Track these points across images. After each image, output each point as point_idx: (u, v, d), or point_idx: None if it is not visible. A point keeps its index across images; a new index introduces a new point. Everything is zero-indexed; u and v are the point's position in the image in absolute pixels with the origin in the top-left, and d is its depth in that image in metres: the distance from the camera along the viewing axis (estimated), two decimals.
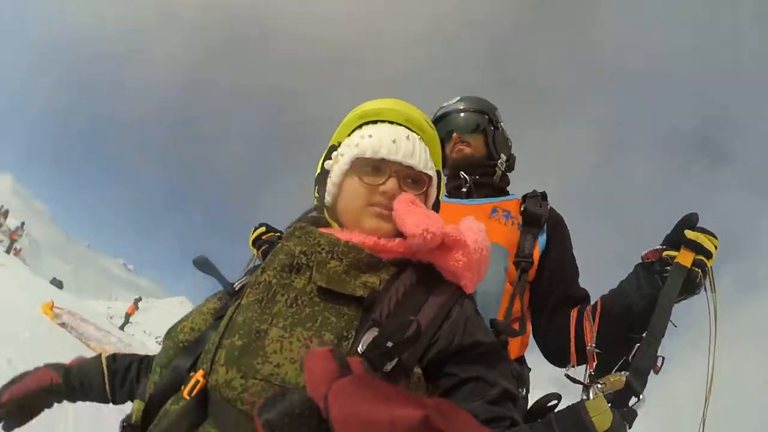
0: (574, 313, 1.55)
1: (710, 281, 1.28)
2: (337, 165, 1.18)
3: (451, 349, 0.96)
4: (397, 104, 1.26)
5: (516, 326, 1.61)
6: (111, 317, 28.20)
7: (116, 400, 1.37)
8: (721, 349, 1.26)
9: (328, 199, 1.22)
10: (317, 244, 1.06)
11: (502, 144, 1.98)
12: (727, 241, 1.35)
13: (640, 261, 1.39)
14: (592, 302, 1.58)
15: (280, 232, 1.87)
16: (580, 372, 1.43)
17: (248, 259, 1.81)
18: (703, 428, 1.24)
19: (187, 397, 0.92)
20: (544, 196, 1.83)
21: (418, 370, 0.92)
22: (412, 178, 1.17)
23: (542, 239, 1.73)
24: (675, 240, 1.29)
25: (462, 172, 1.90)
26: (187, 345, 1.03)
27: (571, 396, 1.26)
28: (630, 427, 1.06)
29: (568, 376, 1.42)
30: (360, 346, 0.88)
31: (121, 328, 22.87)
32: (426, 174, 1.18)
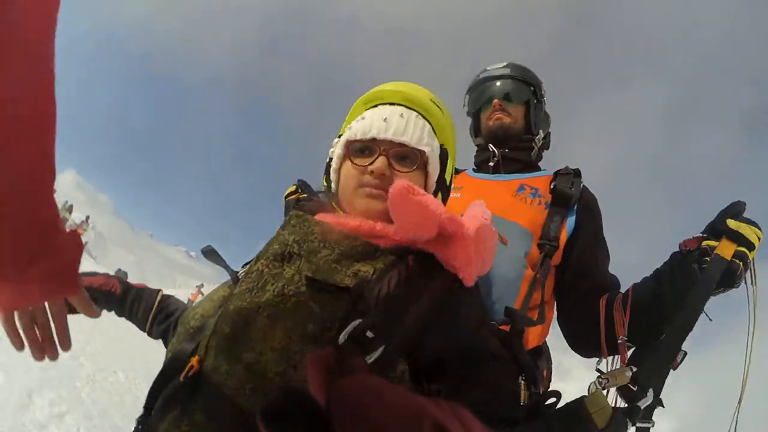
0: (602, 302, 1.45)
1: (751, 274, 1.22)
2: (335, 151, 1.22)
3: (445, 349, 0.93)
4: (400, 85, 1.24)
5: (534, 315, 1.52)
6: None
7: (152, 334, 1.49)
8: (760, 345, 1.22)
9: (333, 186, 1.24)
10: (311, 233, 1.06)
11: (542, 120, 1.88)
12: None
13: (678, 249, 1.31)
14: (622, 290, 1.48)
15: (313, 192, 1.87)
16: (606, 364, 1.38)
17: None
18: (736, 425, 1.19)
19: (181, 381, 0.94)
20: (577, 173, 1.70)
21: (403, 366, 0.90)
22: (402, 156, 1.14)
23: (571, 221, 1.61)
24: (717, 229, 1.24)
25: (491, 145, 1.80)
26: (193, 331, 1.05)
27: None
28: (633, 425, 1.03)
29: (599, 371, 1.32)
30: (341, 337, 0.86)
31: None
32: (419, 150, 1.14)
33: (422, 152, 1.15)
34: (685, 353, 1.14)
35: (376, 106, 1.24)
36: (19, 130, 0.70)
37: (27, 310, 0.98)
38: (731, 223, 1.20)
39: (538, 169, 1.84)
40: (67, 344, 1.04)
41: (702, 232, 1.27)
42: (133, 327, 1.52)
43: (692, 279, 1.22)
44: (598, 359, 1.40)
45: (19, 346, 1.00)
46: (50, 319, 1.00)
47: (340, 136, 1.25)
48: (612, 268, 1.64)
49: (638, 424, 1.09)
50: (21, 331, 0.99)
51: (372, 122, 1.15)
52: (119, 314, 1.52)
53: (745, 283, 1.21)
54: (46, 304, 0.99)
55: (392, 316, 0.88)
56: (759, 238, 1.21)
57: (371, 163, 1.12)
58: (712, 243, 1.21)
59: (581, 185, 1.67)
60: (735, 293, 1.22)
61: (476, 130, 1.96)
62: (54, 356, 1.03)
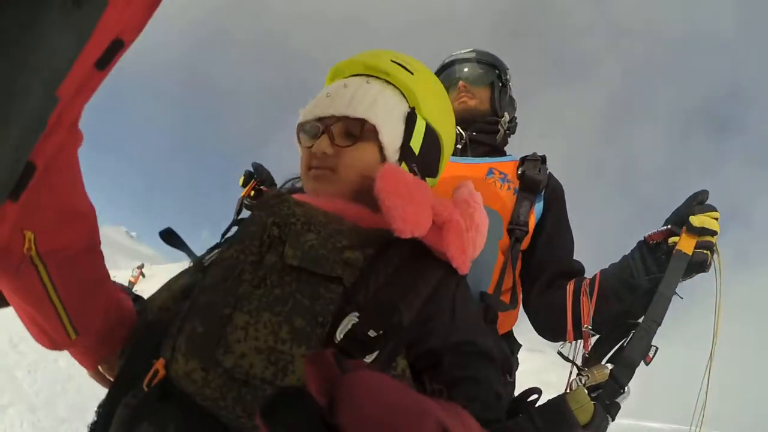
0: (570, 287, 1.46)
1: (717, 259, 1.25)
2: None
3: (442, 346, 0.88)
4: (362, 55, 1.15)
5: (507, 299, 1.52)
6: None
7: None
8: (723, 320, 1.26)
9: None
10: (292, 215, 0.93)
11: (507, 103, 1.87)
12: (728, 214, 1.31)
13: (644, 241, 1.34)
14: (589, 276, 1.50)
15: (270, 179, 1.80)
16: (566, 349, 1.41)
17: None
18: (706, 398, 1.24)
19: (146, 389, 0.83)
20: (543, 160, 1.70)
21: (403, 362, 0.84)
22: (346, 130, 1.02)
23: (539, 207, 1.62)
24: (680, 221, 1.26)
25: (458, 128, 1.78)
26: (151, 327, 0.92)
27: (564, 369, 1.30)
28: (613, 420, 1.05)
29: (561, 354, 1.36)
30: (338, 335, 0.78)
31: None
32: (362, 119, 1.01)
33: (365, 121, 1.01)
34: (657, 348, 1.17)
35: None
36: None
37: None
38: (693, 220, 1.22)
39: (505, 153, 1.83)
40: None
41: (666, 222, 1.30)
42: None
43: (665, 269, 1.24)
44: (561, 343, 1.43)
45: None
46: None
47: None
48: None
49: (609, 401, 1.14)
50: None
51: (316, 100, 1.07)
52: None
53: (714, 267, 1.24)
54: None
55: (390, 310, 0.82)
56: (717, 220, 1.23)
57: (313, 145, 1.03)
58: (676, 239, 1.25)
59: (547, 171, 1.67)
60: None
61: None
62: None
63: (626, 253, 1.39)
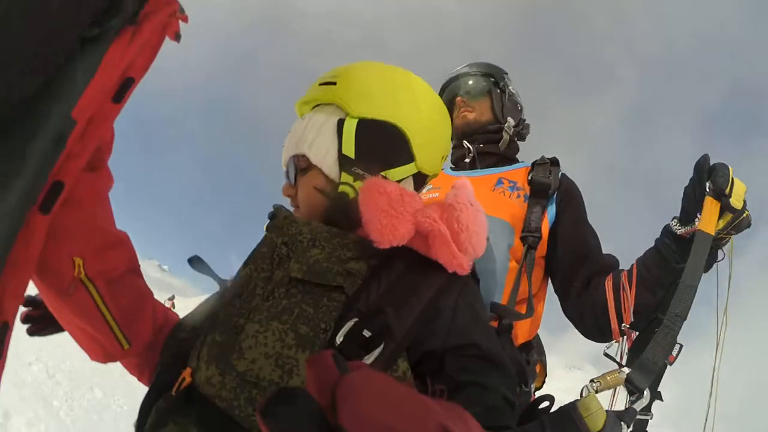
0: (608, 283, 1.42)
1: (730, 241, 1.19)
2: None
3: (444, 349, 0.89)
4: (308, 90, 1.18)
5: (523, 308, 1.46)
6: None
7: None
8: (738, 325, 1.20)
9: None
10: (299, 233, 1.00)
11: (509, 108, 1.84)
12: (756, 215, 1.26)
13: (673, 232, 1.30)
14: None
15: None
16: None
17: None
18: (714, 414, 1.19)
19: (174, 395, 0.91)
20: (554, 162, 1.67)
21: (404, 364, 0.87)
22: (296, 169, 1.11)
23: (552, 210, 1.58)
24: (714, 194, 1.19)
25: (465, 141, 1.79)
26: (184, 342, 1.02)
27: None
28: (629, 427, 1.01)
29: (607, 355, 1.29)
30: (338, 338, 0.83)
31: None
32: (296, 156, 1.10)
33: (297, 156, 1.10)
34: (681, 346, 1.11)
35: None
36: None
37: None
38: (734, 203, 1.16)
39: (516, 161, 1.81)
40: None
41: (684, 200, 1.26)
42: None
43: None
44: (607, 344, 1.36)
45: None
46: None
47: None
48: None
49: (637, 417, 1.09)
50: None
51: (282, 153, 1.16)
52: None
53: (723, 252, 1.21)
54: None
55: (389, 313, 0.85)
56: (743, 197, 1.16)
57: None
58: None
59: (559, 173, 1.64)
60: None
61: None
62: None
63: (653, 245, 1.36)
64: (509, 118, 1.81)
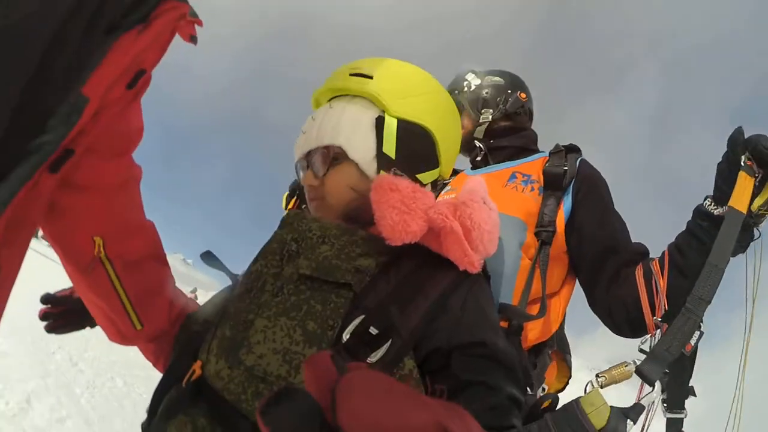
0: (639, 273, 1.32)
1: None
2: None
3: (450, 347, 0.89)
4: (330, 77, 1.16)
5: (535, 309, 1.39)
6: None
7: None
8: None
9: None
10: (309, 230, 1.02)
11: (474, 102, 1.79)
12: None
13: (708, 212, 1.20)
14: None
15: None
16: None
17: None
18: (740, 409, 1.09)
19: (184, 386, 0.94)
20: (571, 149, 1.59)
21: (410, 363, 0.87)
22: (322, 159, 1.07)
23: (567, 202, 1.50)
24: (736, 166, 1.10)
25: (475, 141, 1.75)
26: (195, 335, 1.04)
27: None
28: (635, 423, 0.96)
29: (642, 351, 1.15)
30: (344, 335, 0.84)
31: None
32: (326, 147, 1.06)
33: (330, 147, 1.06)
34: (702, 333, 1.03)
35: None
36: None
37: None
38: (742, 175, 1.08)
39: (534, 152, 1.74)
40: None
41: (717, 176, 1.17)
42: None
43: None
44: (642, 339, 1.23)
45: None
46: None
47: None
48: None
49: (668, 415, 1.04)
50: None
51: (298, 139, 1.13)
52: None
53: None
54: None
55: (396, 311, 0.85)
56: None
57: (304, 179, 1.11)
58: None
59: (578, 160, 1.56)
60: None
61: None
62: None
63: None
64: (482, 110, 1.76)
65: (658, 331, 1.17)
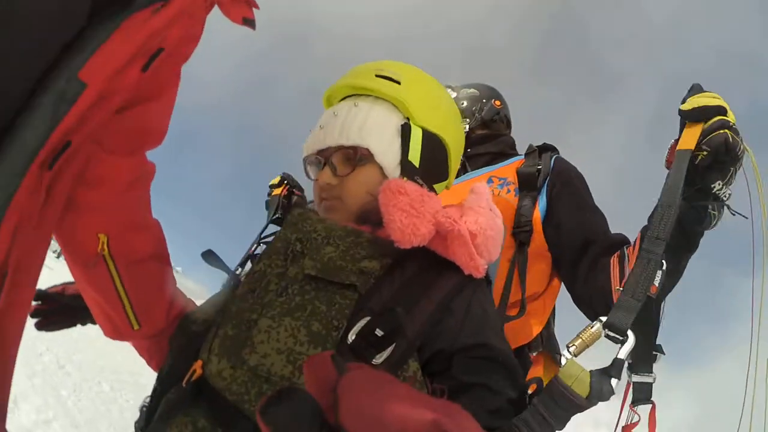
0: (614, 260, 1.28)
1: (741, 142, 0.99)
2: None
3: (453, 349, 0.89)
4: (347, 76, 1.16)
5: (514, 311, 1.39)
6: None
7: None
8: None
9: None
10: (314, 230, 1.00)
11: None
12: None
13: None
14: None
15: (298, 185, 1.85)
16: None
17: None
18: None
19: (184, 386, 0.93)
20: (544, 148, 1.60)
21: (414, 364, 0.87)
22: (344, 158, 1.06)
23: (543, 200, 1.50)
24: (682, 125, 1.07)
25: None
26: (195, 335, 1.02)
27: None
28: (619, 379, 0.90)
29: (609, 337, 1.06)
30: (350, 336, 0.84)
31: None
32: (353, 147, 1.05)
33: (357, 148, 1.05)
34: (664, 273, 0.96)
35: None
36: None
37: None
38: (683, 107, 1.04)
39: (512, 156, 1.74)
40: None
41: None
42: None
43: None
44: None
45: None
46: None
47: None
48: None
49: (635, 379, 0.99)
50: None
51: (313, 134, 1.11)
52: None
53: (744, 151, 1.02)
54: None
55: (401, 313, 0.84)
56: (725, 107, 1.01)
57: (318, 177, 1.08)
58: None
59: (552, 158, 1.56)
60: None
61: None
62: None
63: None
64: None
65: None
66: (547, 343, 1.62)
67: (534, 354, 1.60)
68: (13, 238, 0.68)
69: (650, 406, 0.98)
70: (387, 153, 1.05)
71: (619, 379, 0.89)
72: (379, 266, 0.93)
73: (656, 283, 0.95)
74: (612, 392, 0.87)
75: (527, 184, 1.52)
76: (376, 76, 1.10)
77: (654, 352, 1.01)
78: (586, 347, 0.94)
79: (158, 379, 1.04)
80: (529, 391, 0.93)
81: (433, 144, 1.10)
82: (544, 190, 1.52)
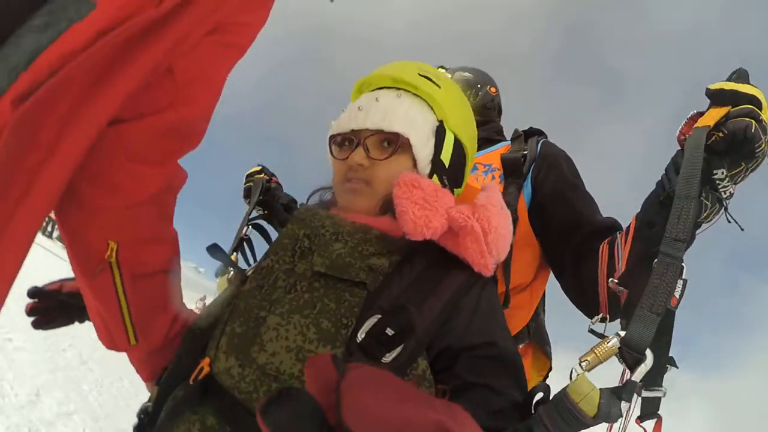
0: (603, 247, 1.21)
1: (766, 143, 0.89)
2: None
3: (460, 346, 0.88)
4: (390, 66, 1.17)
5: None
6: None
7: None
8: None
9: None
10: (321, 226, 1.00)
11: None
12: None
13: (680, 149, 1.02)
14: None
15: (274, 175, 1.89)
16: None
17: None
18: None
19: (191, 384, 0.92)
20: (531, 132, 1.54)
21: (423, 363, 0.86)
22: (380, 142, 1.06)
23: (528, 186, 1.44)
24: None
25: None
26: (202, 333, 1.02)
27: None
28: (630, 402, 0.83)
29: (593, 332, 1.02)
30: (359, 334, 0.83)
31: None
32: (395, 134, 1.05)
33: (399, 135, 1.05)
34: (685, 281, 0.85)
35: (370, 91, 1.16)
36: None
37: None
38: (711, 86, 0.93)
39: (498, 141, 1.68)
40: None
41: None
42: None
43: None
44: (593, 319, 1.09)
45: None
46: None
47: None
48: None
49: (645, 394, 0.89)
50: None
51: (349, 113, 1.10)
52: None
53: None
54: None
55: (412, 312, 0.84)
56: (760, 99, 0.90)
57: (349, 157, 1.06)
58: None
59: (539, 143, 1.51)
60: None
61: None
62: None
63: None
64: None
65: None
66: (534, 335, 1.57)
67: (521, 346, 1.54)
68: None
69: (656, 419, 0.92)
70: (424, 148, 1.07)
71: (629, 402, 0.82)
72: (387, 263, 0.93)
73: (677, 294, 0.84)
74: (620, 415, 0.81)
75: (512, 170, 1.46)
76: (419, 75, 1.12)
77: (667, 366, 0.91)
78: (599, 363, 0.87)
79: (165, 377, 1.03)
80: (536, 398, 0.88)
81: (459, 150, 1.13)
82: (529, 176, 1.46)
